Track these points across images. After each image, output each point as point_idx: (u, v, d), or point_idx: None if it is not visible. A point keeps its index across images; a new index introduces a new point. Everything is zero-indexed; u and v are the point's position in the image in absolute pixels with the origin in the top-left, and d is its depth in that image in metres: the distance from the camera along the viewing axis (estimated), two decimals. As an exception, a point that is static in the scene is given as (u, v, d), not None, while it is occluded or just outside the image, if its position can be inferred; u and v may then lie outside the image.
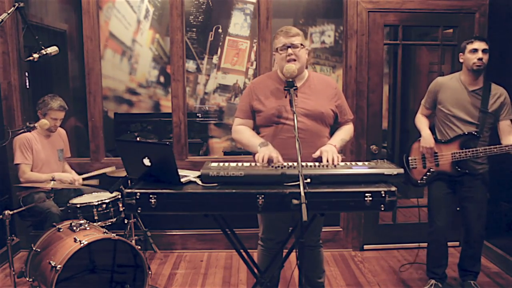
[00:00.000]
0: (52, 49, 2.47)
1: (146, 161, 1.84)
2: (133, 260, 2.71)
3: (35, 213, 2.96)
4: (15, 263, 2.97)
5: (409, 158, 2.91)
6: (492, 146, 2.60)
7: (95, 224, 2.78)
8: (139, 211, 1.79)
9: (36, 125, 2.63)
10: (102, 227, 2.79)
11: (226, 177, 1.84)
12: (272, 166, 1.93)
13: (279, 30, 2.26)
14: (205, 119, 3.97)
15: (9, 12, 2.29)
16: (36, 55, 2.41)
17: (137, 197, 1.77)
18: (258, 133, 2.34)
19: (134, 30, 3.72)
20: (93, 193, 3.12)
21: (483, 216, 2.80)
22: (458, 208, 2.86)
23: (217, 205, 1.80)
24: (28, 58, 2.40)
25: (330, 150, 2.10)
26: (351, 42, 3.51)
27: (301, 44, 2.22)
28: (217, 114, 3.96)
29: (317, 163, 2.00)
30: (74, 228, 2.58)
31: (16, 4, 2.33)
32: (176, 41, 3.51)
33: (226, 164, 1.96)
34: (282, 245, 2.37)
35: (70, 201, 2.94)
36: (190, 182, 1.89)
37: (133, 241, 3.09)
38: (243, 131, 2.35)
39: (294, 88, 2.05)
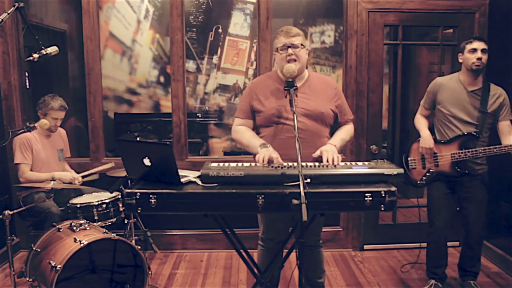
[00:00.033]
0: (52, 49, 2.47)
1: (146, 161, 1.84)
2: (133, 260, 2.71)
3: (35, 213, 2.96)
4: (15, 263, 2.97)
5: (409, 158, 2.91)
6: (491, 147, 2.60)
7: (95, 224, 2.78)
8: (139, 211, 1.79)
9: (36, 125, 2.64)
10: (102, 227, 2.79)
11: (226, 177, 1.84)
12: (272, 166, 1.93)
13: (280, 30, 2.26)
14: (205, 119, 3.97)
15: (9, 12, 2.29)
16: (36, 55, 2.41)
17: (137, 197, 1.77)
18: (258, 133, 2.34)
19: (134, 30, 3.72)
20: (93, 193, 3.12)
21: (482, 217, 2.80)
22: (457, 208, 2.86)
23: (217, 205, 1.80)
24: (28, 58, 2.40)
25: (330, 150, 2.10)
26: (351, 42, 3.51)
27: (302, 44, 2.22)
28: (217, 114, 3.96)
29: (317, 163, 2.00)
30: (74, 228, 2.58)
31: (16, 4, 2.33)
32: (176, 41, 3.51)
33: (226, 164, 1.96)
34: (282, 245, 2.37)
35: (70, 201, 2.94)
36: (190, 182, 1.89)
37: (133, 241, 3.09)
38: (243, 132, 2.34)
39: (294, 88, 2.05)
